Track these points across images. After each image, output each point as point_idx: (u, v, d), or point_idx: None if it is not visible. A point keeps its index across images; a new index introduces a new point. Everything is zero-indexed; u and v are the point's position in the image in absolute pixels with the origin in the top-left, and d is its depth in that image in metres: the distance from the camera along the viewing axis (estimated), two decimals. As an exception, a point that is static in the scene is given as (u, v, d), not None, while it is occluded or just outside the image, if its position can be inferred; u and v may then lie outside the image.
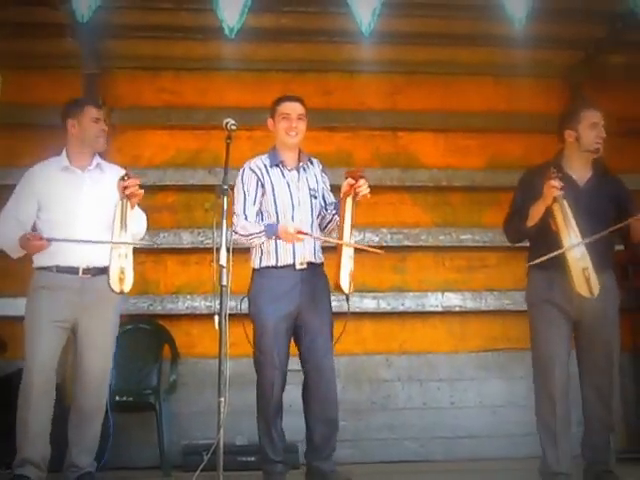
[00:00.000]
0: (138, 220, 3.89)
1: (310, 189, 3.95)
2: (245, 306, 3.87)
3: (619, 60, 5.45)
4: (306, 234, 3.71)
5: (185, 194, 5.36)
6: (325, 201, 4.02)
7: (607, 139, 5.54)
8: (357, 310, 4.90)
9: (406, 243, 5.41)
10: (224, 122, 3.41)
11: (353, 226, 3.75)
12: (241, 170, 3.95)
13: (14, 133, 5.18)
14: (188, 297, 5.17)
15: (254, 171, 3.91)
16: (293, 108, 3.93)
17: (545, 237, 3.65)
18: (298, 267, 3.83)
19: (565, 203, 3.63)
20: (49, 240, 3.63)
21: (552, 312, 3.74)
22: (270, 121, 3.99)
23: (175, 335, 5.03)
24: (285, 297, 3.80)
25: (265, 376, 3.81)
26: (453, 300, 5.34)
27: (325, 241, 3.92)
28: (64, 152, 3.90)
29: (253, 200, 3.88)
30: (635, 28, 4.46)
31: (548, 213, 3.66)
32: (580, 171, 3.87)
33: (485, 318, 5.35)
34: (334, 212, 3.92)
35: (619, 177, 4.06)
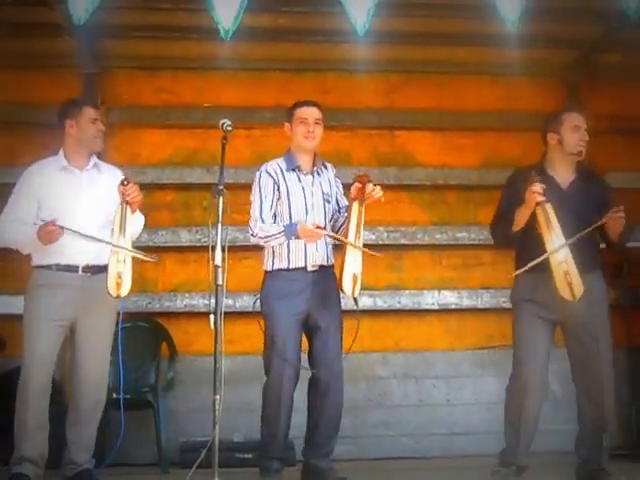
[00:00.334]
0: (137, 221, 3.93)
1: (324, 193, 4.00)
2: (257, 305, 3.92)
3: (615, 59, 5.48)
4: (324, 229, 3.75)
5: (183, 193, 5.39)
6: (338, 205, 4.06)
7: (603, 138, 5.62)
8: (354, 308, 4.91)
9: (403, 241, 5.44)
10: (220, 123, 3.43)
11: (359, 229, 3.76)
12: (258, 174, 3.99)
13: (14, 132, 5.21)
14: (186, 295, 5.20)
15: (271, 175, 3.95)
16: (310, 113, 3.97)
17: (531, 241, 3.67)
18: (310, 269, 3.88)
19: (548, 207, 3.63)
20: (62, 228, 3.62)
21: (534, 311, 3.77)
22: (287, 125, 4.02)
23: (173, 333, 5.06)
24: (296, 297, 3.84)
25: (275, 370, 3.82)
26: (449, 298, 5.37)
27: (338, 241, 3.93)
28: (61, 152, 3.92)
29: (270, 204, 3.92)
30: (630, 27, 4.48)
31: (533, 217, 3.67)
32: (564, 174, 3.89)
33: (481, 316, 5.39)
34: (345, 215, 3.95)
35: (603, 179, 4.08)
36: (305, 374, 3.94)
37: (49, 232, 3.60)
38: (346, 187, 4.06)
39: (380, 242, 5.31)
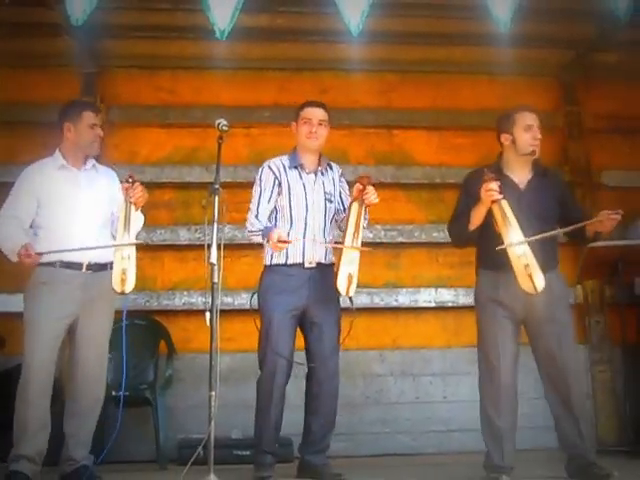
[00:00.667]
0: (138, 220, 3.92)
1: (326, 193, 4.04)
2: (254, 301, 3.95)
3: (610, 59, 5.50)
4: (288, 242, 3.76)
5: (182, 191, 5.41)
6: (343, 205, 4.09)
7: (600, 137, 5.67)
8: (351, 306, 4.95)
9: (400, 239, 5.47)
10: (216, 123, 3.49)
11: (358, 229, 3.80)
12: (260, 168, 4.06)
13: (14, 131, 5.24)
14: (185, 293, 5.23)
15: (272, 170, 4.01)
16: (315, 114, 4.02)
17: (490, 239, 3.64)
18: (307, 266, 3.92)
19: (504, 204, 3.61)
20: (40, 254, 3.66)
21: (498, 312, 3.75)
22: (293, 124, 4.08)
23: (172, 331, 5.07)
24: (293, 293, 3.88)
25: (267, 363, 3.86)
26: (446, 296, 5.40)
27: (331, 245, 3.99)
28: (57, 152, 3.93)
29: (268, 198, 3.98)
30: (626, 27, 4.51)
31: (490, 215, 3.67)
32: (520, 173, 3.86)
33: (477, 313, 5.41)
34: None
35: (559, 175, 4.08)
36: (302, 370, 3.98)
37: (26, 257, 3.62)
38: (344, 185, 4.10)
39: (377, 240, 5.35)
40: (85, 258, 3.78)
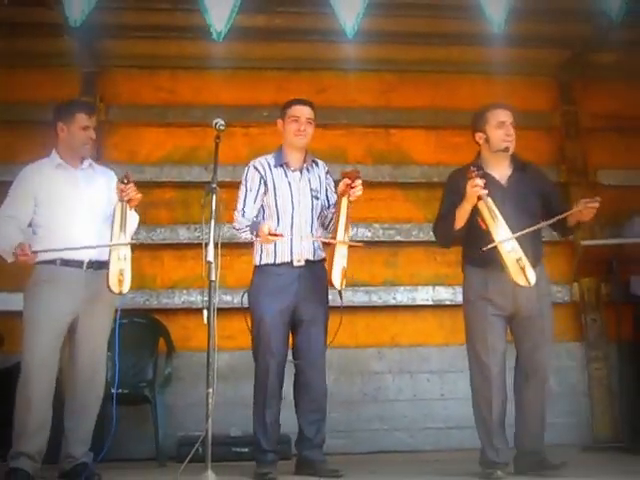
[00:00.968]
0: (132, 220, 3.96)
1: (312, 189, 4.06)
2: (245, 300, 4.00)
3: (607, 58, 5.53)
4: (279, 235, 3.79)
5: (182, 190, 5.44)
6: (329, 201, 4.12)
7: (597, 136, 5.69)
8: (349, 304, 4.97)
9: (398, 238, 5.50)
10: (213, 122, 3.53)
11: (347, 224, 3.84)
12: (246, 168, 4.09)
13: (13, 130, 5.27)
14: (184, 292, 5.25)
15: (257, 169, 4.05)
16: (302, 112, 4.05)
17: (477, 237, 3.67)
18: (296, 264, 3.94)
19: (490, 200, 3.64)
20: (36, 253, 3.68)
21: (487, 309, 3.77)
22: (280, 122, 4.10)
23: (171, 329, 5.09)
24: (283, 292, 3.91)
25: (260, 363, 3.91)
26: (444, 294, 5.42)
27: (322, 240, 4.02)
28: (54, 152, 3.94)
29: (254, 198, 4.01)
30: (623, 27, 4.52)
31: (476, 213, 3.68)
32: (500, 170, 3.87)
33: (475, 311, 5.43)
34: (334, 211, 4.01)
35: (539, 168, 4.08)
36: (292, 368, 4.00)
37: (22, 256, 3.64)
38: (341, 184, 4.12)
39: (376, 239, 5.39)
40: (85, 256, 3.79)
